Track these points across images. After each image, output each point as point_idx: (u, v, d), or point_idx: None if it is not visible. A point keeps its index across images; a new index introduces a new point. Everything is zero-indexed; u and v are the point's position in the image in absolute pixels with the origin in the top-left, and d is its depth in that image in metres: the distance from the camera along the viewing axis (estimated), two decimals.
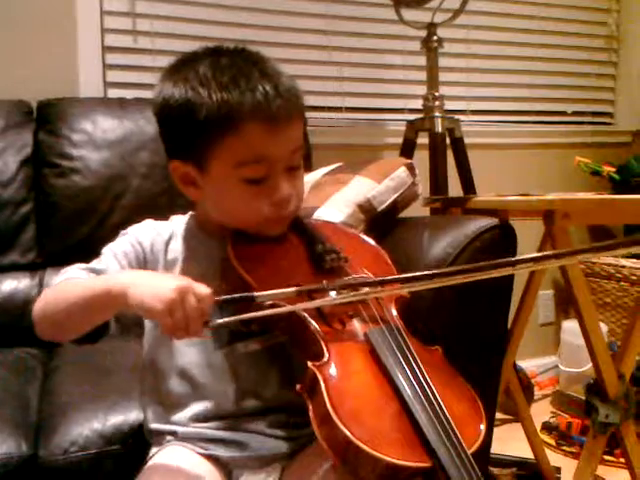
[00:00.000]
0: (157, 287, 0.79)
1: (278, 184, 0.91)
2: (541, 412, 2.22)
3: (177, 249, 0.98)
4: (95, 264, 0.94)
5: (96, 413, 1.09)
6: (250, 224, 0.94)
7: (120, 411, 1.09)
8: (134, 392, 1.09)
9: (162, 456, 0.91)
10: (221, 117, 0.87)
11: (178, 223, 1.02)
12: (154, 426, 0.95)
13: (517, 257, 0.94)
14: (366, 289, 0.88)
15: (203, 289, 0.79)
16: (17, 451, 1.04)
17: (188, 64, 0.92)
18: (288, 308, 0.83)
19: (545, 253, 0.89)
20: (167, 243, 0.98)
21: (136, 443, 1.03)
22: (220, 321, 0.81)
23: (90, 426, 1.07)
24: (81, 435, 1.06)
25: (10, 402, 1.18)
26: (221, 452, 0.89)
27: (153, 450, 0.94)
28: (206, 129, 0.88)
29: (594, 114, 2.83)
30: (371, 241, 1.07)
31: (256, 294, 0.82)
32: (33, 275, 1.64)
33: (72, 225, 1.66)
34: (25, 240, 1.65)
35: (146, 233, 0.98)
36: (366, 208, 1.32)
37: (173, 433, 0.92)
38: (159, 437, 0.94)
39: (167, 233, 0.99)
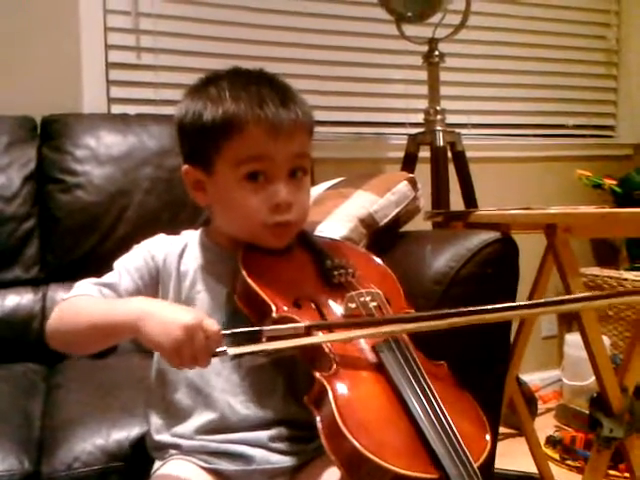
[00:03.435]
0: (166, 324, 0.80)
1: (276, 187, 0.93)
2: (545, 426, 2.20)
3: (189, 262, 0.99)
4: (107, 279, 0.96)
5: (99, 429, 1.09)
6: (251, 231, 0.95)
7: (123, 427, 1.09)
8: (137, 408, 1.09)
9: (165, 470, 0.91)
10: (226, 122, 0.92)
11: (190, 237, 1.03)
12: (158, 438, 0.95)
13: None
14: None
15: (212, 325, 0.80)
16: (19, 467, 1.04)
17: (208, 83, 0.97)
18: (301, 341, 0.83)
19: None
20: (180, 256, 0.99)
21: (139, 459, 1.03)
22: (231, 353, 0.81)
23: (93, 442, 1.07)
24: (84, 451, 1.05)
25: (12, 418, 1.17)
26: (224, 466, 0.89)
27: (156, 464, 0.94)
28: (212, 132, 0.93)
29: (595, 127, 2.84)
30: (379, 260, 1.08)
31: (265, 328, 0.82)
32: (36, 290, 1.64)
33: (75, 240, 1.66)
34: (28, 255, 1.65)
35: (159, 247, 1.00)
36: (368, 222, 1.32)
37: (177, 446, 0.92)
38: (162, 451, 0.94)
39: (180, 247, 1.01)
